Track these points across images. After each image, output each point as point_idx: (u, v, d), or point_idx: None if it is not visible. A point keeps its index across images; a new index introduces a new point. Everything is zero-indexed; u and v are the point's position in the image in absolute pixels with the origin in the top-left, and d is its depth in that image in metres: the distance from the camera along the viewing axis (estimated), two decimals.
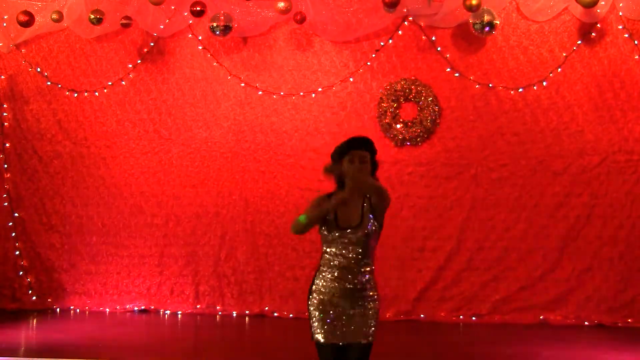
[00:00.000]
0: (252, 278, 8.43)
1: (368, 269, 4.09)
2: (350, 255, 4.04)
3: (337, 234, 4.06)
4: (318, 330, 4.08)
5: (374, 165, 4.15)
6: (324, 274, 4.10)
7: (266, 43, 8.53)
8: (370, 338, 4.06)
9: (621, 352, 6.61)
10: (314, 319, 4.11)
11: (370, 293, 4.09)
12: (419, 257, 8.25)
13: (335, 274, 4.05)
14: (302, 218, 4.01)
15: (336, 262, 4.06)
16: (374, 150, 4.14)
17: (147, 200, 8.72)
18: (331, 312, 4.06)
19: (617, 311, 7.90)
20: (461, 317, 8.12)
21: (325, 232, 4.08)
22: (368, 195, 4.10)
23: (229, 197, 8.57)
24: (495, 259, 8.14)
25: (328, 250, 4.10)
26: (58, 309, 8.69)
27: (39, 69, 8.86)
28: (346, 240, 4.04)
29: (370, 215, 4.08)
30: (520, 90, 8.14)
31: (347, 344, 4.04)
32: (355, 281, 4.05)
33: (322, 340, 4.06)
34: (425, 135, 8.26)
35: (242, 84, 8.56)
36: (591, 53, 8.05)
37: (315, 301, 4.11)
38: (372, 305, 4.09)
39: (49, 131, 8.87)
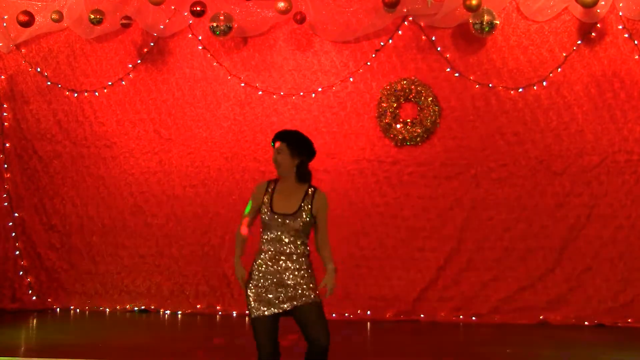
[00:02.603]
0: None
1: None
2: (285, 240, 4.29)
3: (272, 219, 4.28)
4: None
5: (301, 159, 4.39)
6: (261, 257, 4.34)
7: (266, 43, 8.53)
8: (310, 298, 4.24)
9: (621, 352, 6.61)
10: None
11: (305, 282, 4.28)
12: (419, 257, 8.25)
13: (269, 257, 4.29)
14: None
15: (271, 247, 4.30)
16: (293, 141, 4.40)
17: (147, 200, 8.73)
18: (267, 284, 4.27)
19: (617, 311, 7.90)
20: (461, 317, 8.12)
21: (263, 217, 4.35)
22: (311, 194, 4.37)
23: (228, 197, 8.57)
24: (495, 259, 8.14)
25: (264, 234, 4.35)
26: (58, 309, 8.70)
27: (39, 69, 8.86)
28: (282, 226, 4.27)
29: (309, 208, 4.32)
30: (520, 90, 8.14)
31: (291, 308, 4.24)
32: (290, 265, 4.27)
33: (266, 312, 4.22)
34: (425, 135, 8.26)
35: (242, 84, 8.56)
36: (591, 53, 8.04)
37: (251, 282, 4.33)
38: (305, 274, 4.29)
39: (49, 131, 8.87)
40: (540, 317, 8.00)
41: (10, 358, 6.12)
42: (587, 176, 8.05)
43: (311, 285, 4.29)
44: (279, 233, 4.29)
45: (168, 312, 8.55)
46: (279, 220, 4.27)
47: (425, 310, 8.18)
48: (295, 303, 4.24)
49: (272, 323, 4.27)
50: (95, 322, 8.20)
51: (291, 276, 4.27)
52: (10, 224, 8.83)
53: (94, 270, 8.77)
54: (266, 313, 4.24)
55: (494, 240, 8.16)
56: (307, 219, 4.30)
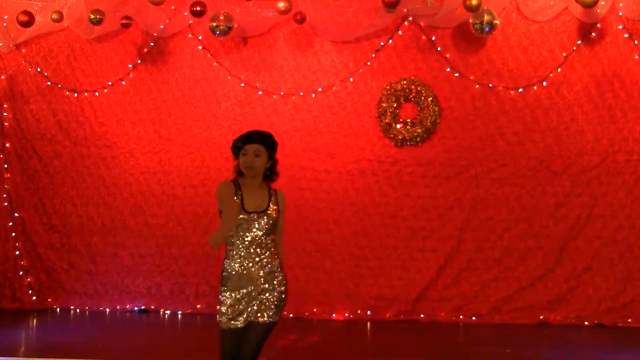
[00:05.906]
0: None
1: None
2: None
3: (244, 217, 4.17)
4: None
5: (274, 160, 4.31)
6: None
7: (266, 43, 8.54)
8: (273, 318, 4.16)
9: (621, 352, 6.61)
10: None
11: (277, 275, 4.22)
12: (419, 257, 8.25)
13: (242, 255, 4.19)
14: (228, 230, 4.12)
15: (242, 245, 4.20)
16: (272, 144, 4.28)
17: (147, 200, 8.73)
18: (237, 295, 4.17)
19: (617, 311, 7.90)
20: (461, 317, 8.12)
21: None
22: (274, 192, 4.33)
23: None
24: (495, 259, 8.14)
25: (234, 235, 4.22)
26: (58, 309, 8.70)
27: (39, 69, 8.86)
28: (252, 223, 4.18)
29: (276, 208, 4.27)
30: (520, 90, 8.14)
31: (249, 323, 4.15)
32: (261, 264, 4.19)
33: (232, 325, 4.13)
34: (425, 135, 8.26)
35: (242, 84, 8.56)
36: (591, 53, 8.05)
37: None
38: (278, 288, 4.20)
39: (49, 131, 8.87)
40: (540, 317, 8.01)
41: (10, 358, 6.12)
42: (587, 176, 8.05)
43: (275, 296, 4.20)
44: (252, 232, 4.20)
45: (168, 312, 8.55)
46: (255, 218, 4.19)
47: (425, 310, 8.18)
48: (252, 318, 4.15)
49: (242, 332, 4.18)
50: (95, 322, 8.19)
51: (263, 280, 4.18)
52: (10, 224, 8.83)
53: (94, 270, 8.77)
54: (239, 326, 4.15)
55: (494, 240, 8.16)
56: (275, 217, 4.25)
